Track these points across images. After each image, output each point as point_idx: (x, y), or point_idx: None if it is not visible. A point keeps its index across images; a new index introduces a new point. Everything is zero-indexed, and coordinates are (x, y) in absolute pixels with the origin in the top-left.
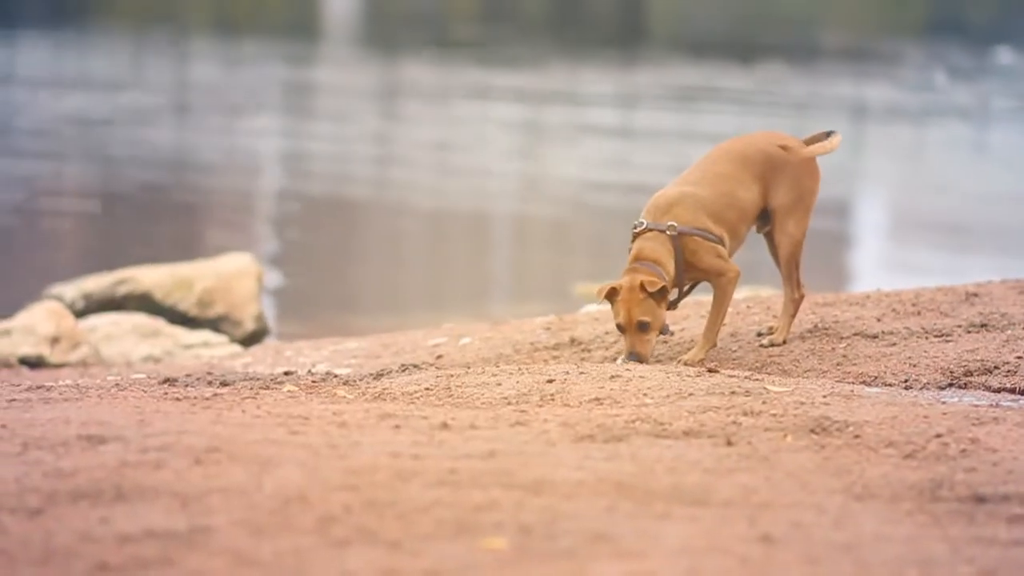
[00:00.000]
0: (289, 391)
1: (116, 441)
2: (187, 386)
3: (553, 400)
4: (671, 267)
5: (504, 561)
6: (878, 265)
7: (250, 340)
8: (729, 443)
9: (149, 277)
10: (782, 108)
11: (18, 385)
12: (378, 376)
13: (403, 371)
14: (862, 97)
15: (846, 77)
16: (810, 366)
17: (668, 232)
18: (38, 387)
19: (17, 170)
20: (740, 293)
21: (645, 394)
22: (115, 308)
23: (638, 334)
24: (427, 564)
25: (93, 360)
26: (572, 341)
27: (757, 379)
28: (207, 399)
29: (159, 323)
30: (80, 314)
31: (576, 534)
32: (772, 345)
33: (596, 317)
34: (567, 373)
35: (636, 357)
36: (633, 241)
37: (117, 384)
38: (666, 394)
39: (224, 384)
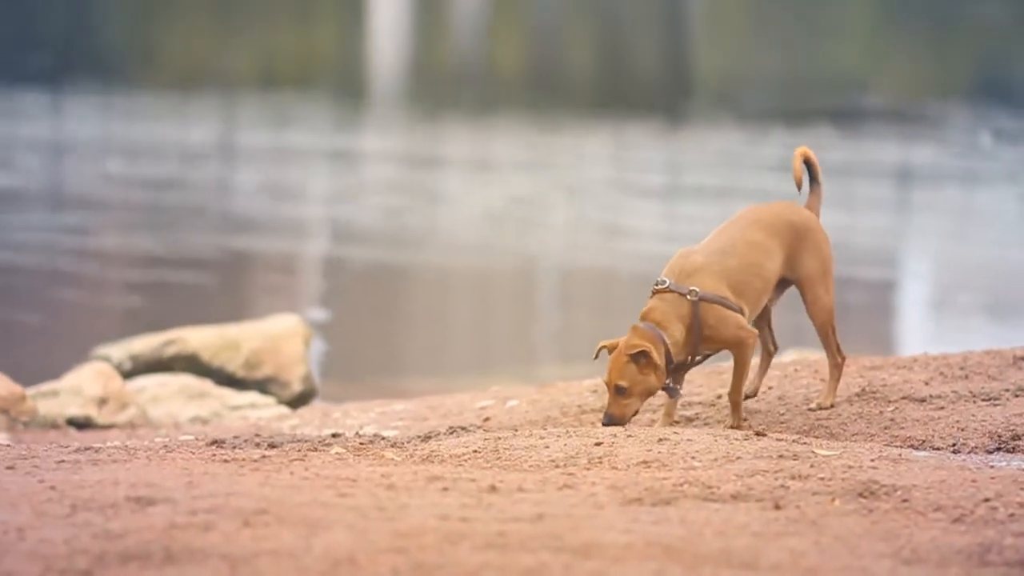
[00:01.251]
0: (337, 453)
1: (165, 503)
2: (235, 448)
3: (601, 463)
4: (677, 331)
5: None
6: (925, 328)
7: (297, 402)
8: (777, 507)
9: (196, 338)
10: (827, 170)
11: (66, 446)
12: (426, 438)
13: (451, 433)
14: (907, 159)
15: (891, 139)
16: (858, 429)
17: (689, 297)
18: (86, 448)
19: (62, 231)
20: (787, 356)
21: (693, 457)
22: (162, 369)
23: (615, 397)
24: None
25: (141, 421)
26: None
27: (805, 442)
28: (255, 461)
29: (206, 384)
30: (128, 375)
31: None
32: (820, 408)
33: None
34: (615, 436)
35: (608, 419)
36: (651, 297)
37: (165, 445)
38: (714, 457)
39: (272, 446)
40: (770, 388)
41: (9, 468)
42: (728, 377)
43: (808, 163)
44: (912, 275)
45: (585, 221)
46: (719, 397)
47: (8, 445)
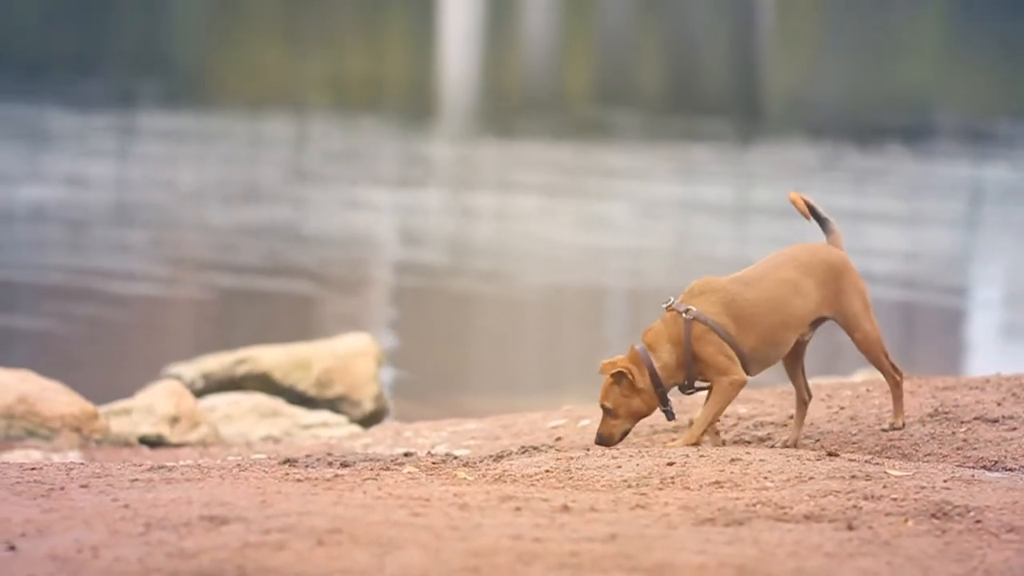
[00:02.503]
0: (410, 472)
1: (238, 522)
2: (308, 467)
3: (673, 483)
4: (666, 354)
5: None
6: (997, 348)
7: (369, 420)
8: (850, 527)
9: (268, 357)
10: (899, 188)
11: (140, 465)
12: (498, 458)
13: (523, 453)
14: (979, 178)
15: (963, 158)
16: (930, 450)
17: (684, 315)
18: (160, 467)
19: (132, 250)
20: (858, 376)
21: (765, 477)
22: (234, 388)
23: (604, 417)
24: None
25: (212, 440)
26: (691, 423)
27: (877, 463)
28: (328, 480)
29: (278, 403)
30: (199, 394)
31: None
32: (892, 429)
33: None
34: (687, 456)
35: (598, 439)
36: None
37: (238, 464)
38: (786, 478)
39: (344, 465)
40: (842, 408)
41: (83, 486)
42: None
43: (809, 207)
44: (984, 294)
45: (654, 239)
46: (790, 418)
47: (82, 463)
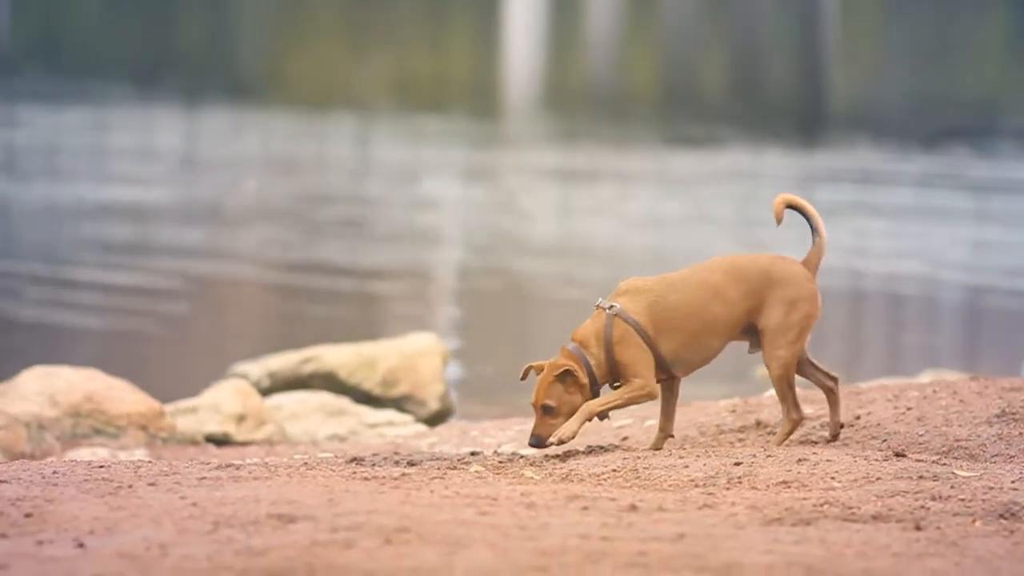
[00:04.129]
0: (477, 471)
1: (306, 520)
2: (375, 465)
3: (740, 483)
4: (598, 351)
5: None
6: None
7: (434, 420)
8: (918, 528)
9: (334, 356)
10: (963, 190)
11: (207, 463)
12: (565, 457)
13: (589, 452)
14: None
15: None
16: (998, 451)
17: (608, 311)
18: (227, 465)
19: (196, 248)
20: (925, 377)
21: (833, 478)
22: (300, 387)
23: (542, 417)
24: None
25: (278, 438)
26: (758, 424)
27: (944, 463)
28: (395, 479)
29: (344, 402)
30: (265, 392)
31: None
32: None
33: None
34: (754, 456)
35: (534, 440)
36: None
37: (305, 463)
38: (854, 478)
39: (411, 464)
40: (908, 409)
41: (151, 484)
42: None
43: (802, 212)
44: None
45: (715, 240)
46: (857, 418)
47: (149, 461)
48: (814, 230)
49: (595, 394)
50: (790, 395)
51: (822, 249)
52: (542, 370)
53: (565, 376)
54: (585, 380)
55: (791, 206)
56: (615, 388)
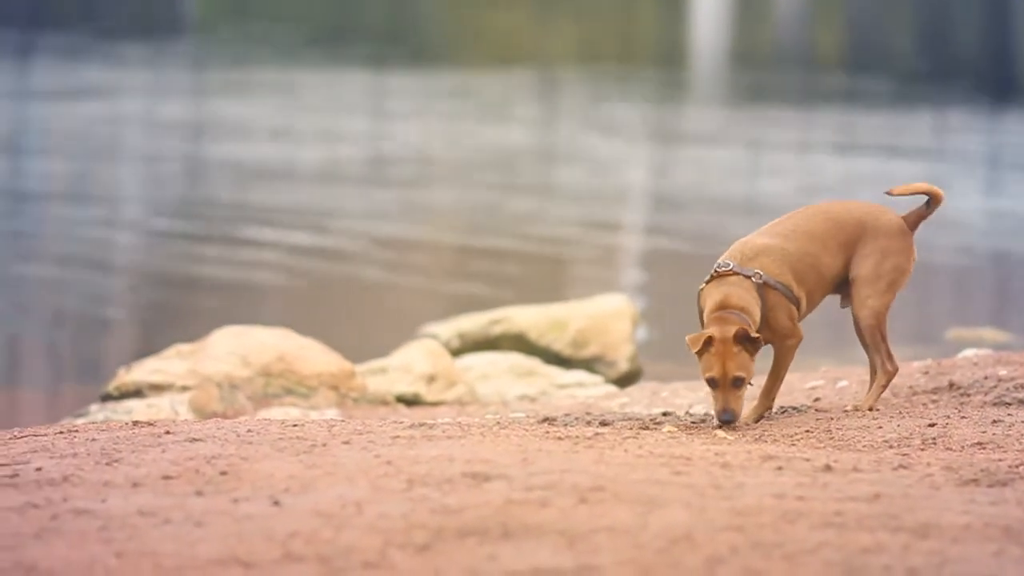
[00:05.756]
0: (669, 432)
1: (500, 479)
2: (567, 425)
3: (935, 444)
4: (758, 317)
5: None
6: None
7: (624, 381)
8: None
9: (523, 317)
10: None
11: (400, 422)
12: (757, 418)
13: (782, 413)
14: None
15: None
16: None
17: (754, 279)
18: (420, 424)
19: (381, 211)
20: None
21: None
22: (489, 347)
23: (732, 390)
24: None
25: (469, 399)
26: (951, 385)
27: None
28: (588, 439)
29: (534, 363)
30: (455, 353)
31: None
32: (856, 410)
33: (975, 362)
34: (948, 417)
35: (730, 416)
36: (708, 283)
37: (498, 422)
38: None
39: (604, 424)
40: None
41: (345, 443)
42: None
43: (932, 196)
44: None
45: (902, 203)
46: None
47: (342, 420)
48: (930, 203)
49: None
50: (883, 346)
51: (927, 216)
52: (710, 341)
53: (755, 344)
54: (762, 346)
55: (926, 194)
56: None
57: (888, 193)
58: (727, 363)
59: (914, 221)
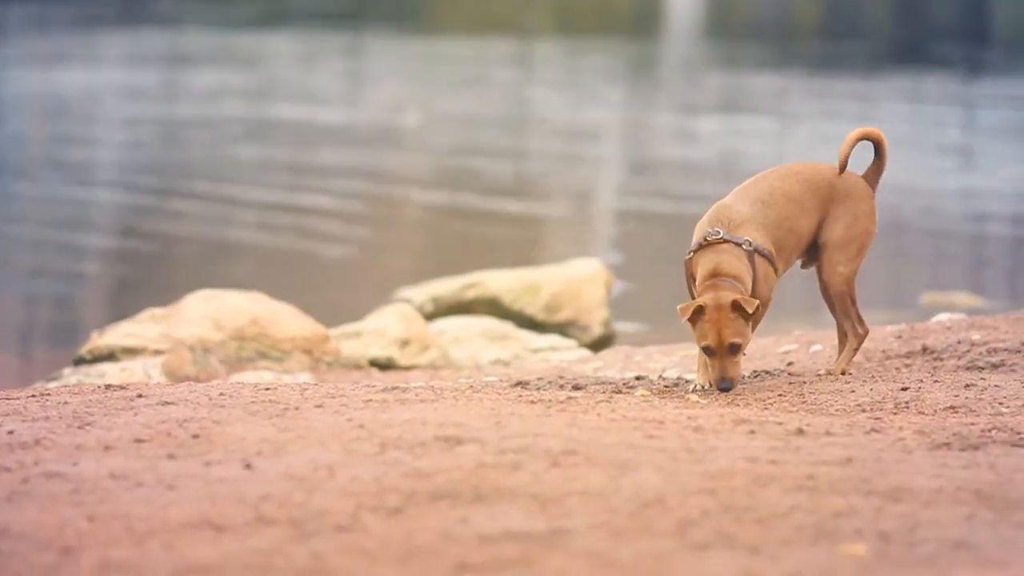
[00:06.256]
0: (642, 395)
1: (473, 442)
2: (540, 389)
3: (907, 408)
4: (750, 284)
5: (864, 567)
6: None
7: (598, 345)
8: None
9: (497, 281)
10: None
11: (373, 386)
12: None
13: (755, 377)
14: None
15: None
16: None
17: (744, 247)
18: (393, 388)
19: (355, 172)
20: None
21: (1000, 403)
22: (462, 312)
23: (729, 357)
24: (787, 569)
25: (442, 363)
26: (924, 350)
27: None
28: (561, 402)
29: (508, 327)
30: (428, 317)
31: (936, 542)
32: (829, 375)
33: (948, 326)
34: (920, 381)
35: (727, 384)
36: (698, 251)
37: (471, 386)
38: (1022, 403)
39: (577, 388)
40: None
41: (318, 407)
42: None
43: (874, 140)
44: None
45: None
46: (1021, 348)
47: (315, 384)
48: (879, 154)
49: None
50: (853, 310)
51: (882, 169)
52: (700, 309)
53: (742, 310)
54: (757, 313)
55: (871, 138)
56: None
57: (841, 168)
58: (723, 330)
59: (874, 180)
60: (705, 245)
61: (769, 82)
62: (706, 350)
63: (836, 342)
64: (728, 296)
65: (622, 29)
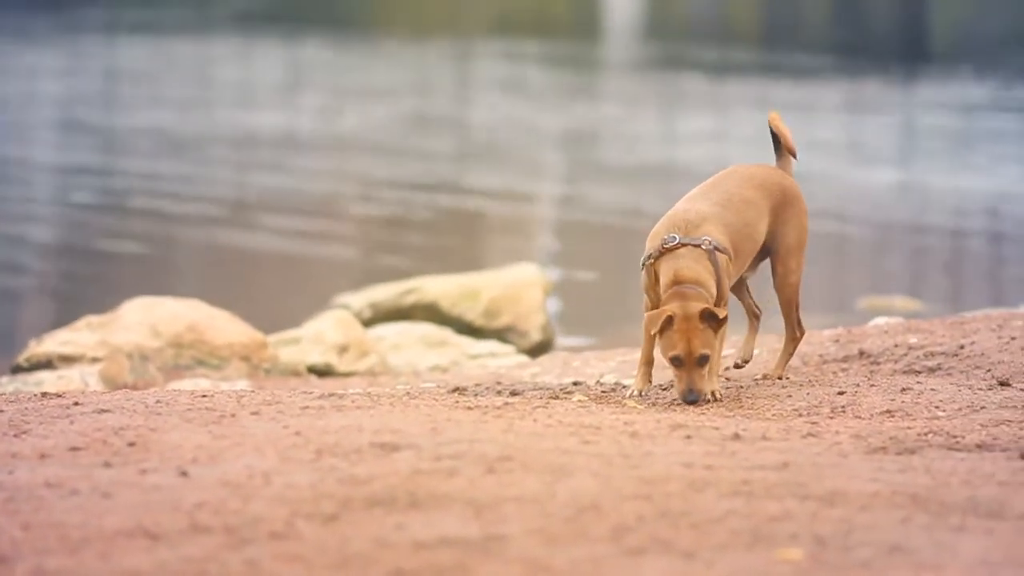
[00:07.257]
0: (579, 401)
1: (409, 449)
2: (477, 395)
3: (844, 412)
4: (714, 288)
5: (800, 572)
6: None
7: (536, 351)
8: (1023, 456)
9: (436, 287)
10: None
11: (310, 393)
12: (667, 387)
13: None
14: None
15: None
16: None
17: (703, 247)
18: (330, 395)
19: (295, 174)
20: None
21: (937, 407)
22: (401, 318)
23: (697, 369)
24: (722, 573)
25: (381, 369)
26: (861, 353)
27: None
28: (498, 408)
29: (446, 333)
30: (367, 323)
31: (872, 546)
32: (765, 379)
33: (885, 330)
34: (857, 385)
35: (695, 396)
36: (658, 258)
37: (408, 392)
38: (958, 407)
39: (514, 393)
40: (1013, 339)
41: (254, 414)
42: (961, 328)
43: (779, 133)
44: None
45: (817, 175)
46: (961, 347)
47: (252, 391)
48: (788, 150)
49: None
50: (795, 314)
51: (791, 167)
52: (669, 320)
53: (711, 320)
54: (726, 321)
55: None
56: None
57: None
58: (692, 341)
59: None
60: (664, 252)
61: (706, 84)
62: (674, 360)
63: (776, 347)
64: (696, 306)
65: (561, 30)
